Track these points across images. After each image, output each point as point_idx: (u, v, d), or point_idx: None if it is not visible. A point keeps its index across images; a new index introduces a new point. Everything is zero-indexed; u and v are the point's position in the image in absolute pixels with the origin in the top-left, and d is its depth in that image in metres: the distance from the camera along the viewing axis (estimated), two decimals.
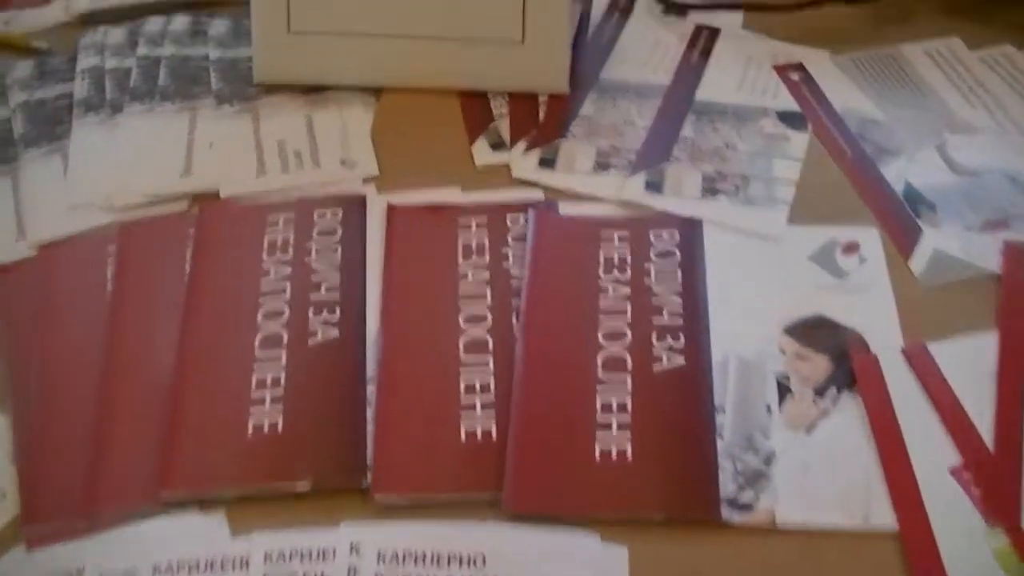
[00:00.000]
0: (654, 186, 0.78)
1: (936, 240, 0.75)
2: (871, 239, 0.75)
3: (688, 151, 0.81)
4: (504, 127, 0.83)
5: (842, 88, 0.87)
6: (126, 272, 0.75)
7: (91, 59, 0.91)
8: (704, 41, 0.91)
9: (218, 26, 0.93)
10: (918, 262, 0.74)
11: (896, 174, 0.80)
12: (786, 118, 0.84)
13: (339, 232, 0.75)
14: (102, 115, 0.86)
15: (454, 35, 0.84)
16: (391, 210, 0.77)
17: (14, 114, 0.87)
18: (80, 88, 0.89)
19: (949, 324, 0.69)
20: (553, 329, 0.69)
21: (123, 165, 0.82)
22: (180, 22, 0.94)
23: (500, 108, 0.84)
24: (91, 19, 0.96)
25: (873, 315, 0.71)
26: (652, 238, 0.74)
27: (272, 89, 0.87)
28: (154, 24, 0.94)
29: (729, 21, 0.93)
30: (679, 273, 0.72)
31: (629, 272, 0.72)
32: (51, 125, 0.86)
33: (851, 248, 0.74)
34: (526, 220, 0.75)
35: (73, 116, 0.86)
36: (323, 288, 0.72)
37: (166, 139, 0.84)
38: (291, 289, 0.72)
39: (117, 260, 0.75)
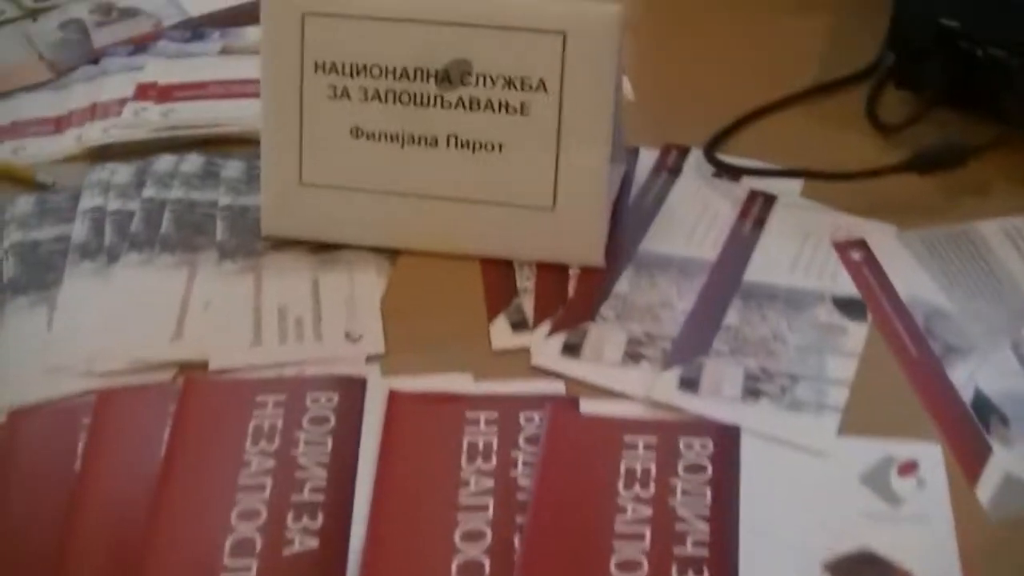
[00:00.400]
0: (689, 384, 0.69)
1: (1008, 462, 0.66)
2: (932, 458, 0.66)
3: (731, 342, 0.72)
4: (528, 303, 0.75)
5: (908, 271, 0.78)
6: (97, 450, 0.68)
7: (95, 199, 0.85)
8: (758, 209, 0.83)
9: (232, 168, 0.86)
10: (986, 488, 0.65)
11: (965, 377, 0.71)
12: (844, 305, 0.75)
13: (332, 421, 0.68)
14: (97, 263, 0.80)
15: (478, 197, 0.77)
16: (392, 398, 0.69)
17: (6, 255, 0.81)
18: (79, 231, 0.82)
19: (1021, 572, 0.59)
20: (561, 556, 0.61)
21: (111, 324, 0.75)
22: (192, 162, 0.88)
23: (526, 280, 0.77)
24: (102, 153, 0.90)
25: (930, 554, 0.62)
26: (682, 447, 0.66)
27: (280, 244, 0.80)
28: (165, 163, 0.88)
29: (787, 187, 0.84)
30: (709, 493, 0.64)
31: (652, 488, 0.64)
32: (43, 271, 0.80)
33: (909, 468, 0.65)
34: (541, 419, 0.66)
35: (67, 262, 0.80)
36: (307, 488, 0.64)
37: (160, 296, 0.77)
38: (271, 487, 0.65)
39: (90, 434, 0.68)
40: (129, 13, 1.06)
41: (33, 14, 1.07)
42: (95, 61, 1.00)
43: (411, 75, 0.76)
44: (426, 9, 0.75)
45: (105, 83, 0.97)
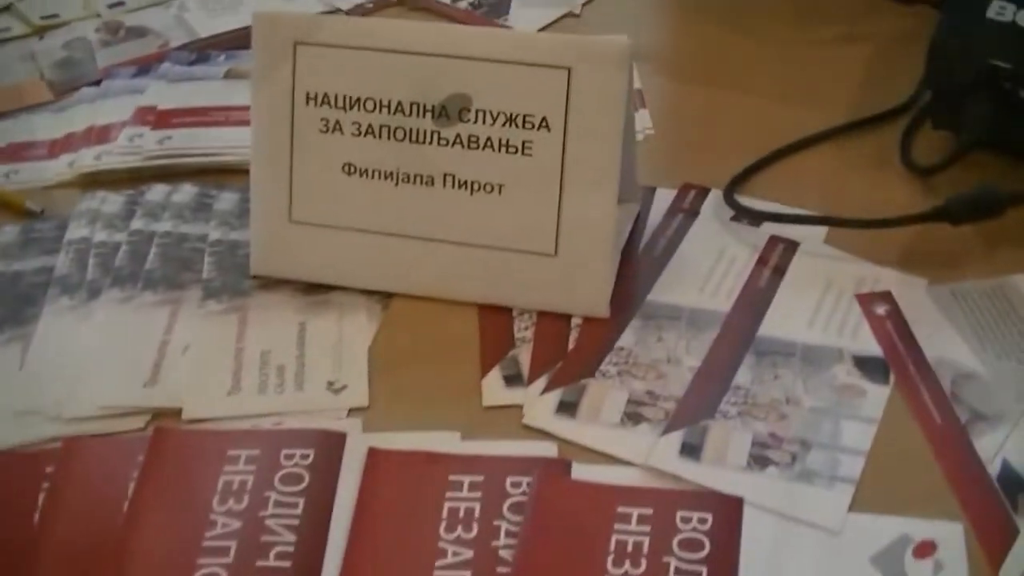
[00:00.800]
0: (691, 450, 0.64)
1: None
2: (952, 538, 0.61)
3: (739, 404, 0.67)
4: (525, 355, 0.70)
5: (936, 328, 0.73)
6: (58, 502, 0.64)
7: (81, 230, 0.81)
8: (778, 257, 0.78)
9: (225, 200, 0.83)
10: (1010, 573, 0.58)
11: (991, 448, 0.66)
12: (865, 365, 0.70)
13: (306, 480, 0.63)
14: (76, 299, 0.76)
15: (476, 241, 0.72)
16: (372, 456, 0.64)
17: None
18: (62, 263, 0.79)
19: None
20: None
21: (84, 366, 0.72)
22: (185, 193, 0.84)
23: (525, 329, 0.72)
24: (95, 180, 0.86)
25: None
26: (679, 521, 0.61)
27: (269, 284, 0.76)
28: (157, 193, 0.84)
29: (810, 232, 0.79)
30: (705, 573, 0.58)
31: (644, 565, 0.59)
32: (21, 305, 0.77)
33: (926, 549, 0.60)
34: (529, 485, 0.61)
35: (47, 297, 0.76)
36: (272, 554, 0.60)
37: (139, 338, 0.73)
38: (236, 551, 0.61)
39: (52, 485, 0.65)
40: (137, 32, 1.03)
41: (40, 32, 1.04)
42: (98, 82, 0.97)
43: (407, 110, 0.71)
44: (423, 41, 0.71)
45: (104, 106, 0.93)
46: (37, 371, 0.72)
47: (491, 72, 0.70)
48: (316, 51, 0.72)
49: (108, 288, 0.77)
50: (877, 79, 0.94)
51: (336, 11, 1.06)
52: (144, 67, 0.98)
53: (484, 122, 0.71)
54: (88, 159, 0.88)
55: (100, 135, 0.90)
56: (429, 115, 0.71)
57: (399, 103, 0.71)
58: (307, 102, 0.73)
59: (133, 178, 0.86)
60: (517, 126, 0.70)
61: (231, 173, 0.85)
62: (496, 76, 0.70)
